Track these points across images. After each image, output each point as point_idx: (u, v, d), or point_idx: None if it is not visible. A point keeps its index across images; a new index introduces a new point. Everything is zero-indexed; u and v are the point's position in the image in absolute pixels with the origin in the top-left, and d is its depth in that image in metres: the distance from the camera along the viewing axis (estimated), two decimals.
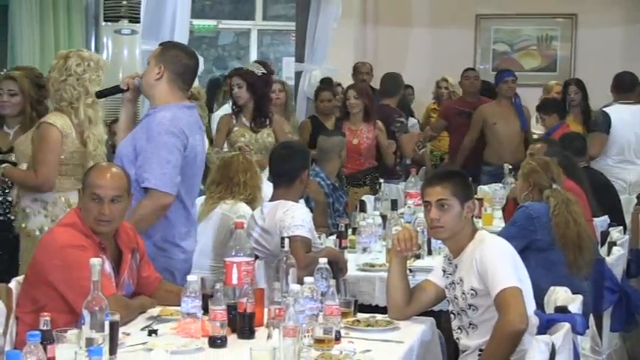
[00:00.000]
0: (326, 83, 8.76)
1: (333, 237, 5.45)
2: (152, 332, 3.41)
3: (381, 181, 7.03)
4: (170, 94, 4.27)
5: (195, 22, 10.93)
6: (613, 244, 5.25)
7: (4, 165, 5.04)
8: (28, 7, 7.17)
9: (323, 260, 3.78)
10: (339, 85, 8.92)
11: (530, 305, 3.55)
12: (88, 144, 4.85)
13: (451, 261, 3.74)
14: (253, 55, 11.73)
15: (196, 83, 6.51)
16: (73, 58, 4.87)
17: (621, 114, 7.74)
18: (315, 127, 7.70)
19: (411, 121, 9.20)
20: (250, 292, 3.46)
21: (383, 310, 3.99)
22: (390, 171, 7.59)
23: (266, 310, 3.55)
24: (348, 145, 6.72)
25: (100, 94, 4.73)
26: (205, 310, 3.40)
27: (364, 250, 5.34)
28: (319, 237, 4.88)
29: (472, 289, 3.60)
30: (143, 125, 4.27)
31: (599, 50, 10.74)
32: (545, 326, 3.32)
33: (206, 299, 3.43)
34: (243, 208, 5.23)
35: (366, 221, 5.48)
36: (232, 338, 3.39)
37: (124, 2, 7.01)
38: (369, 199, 6.90)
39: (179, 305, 3.46)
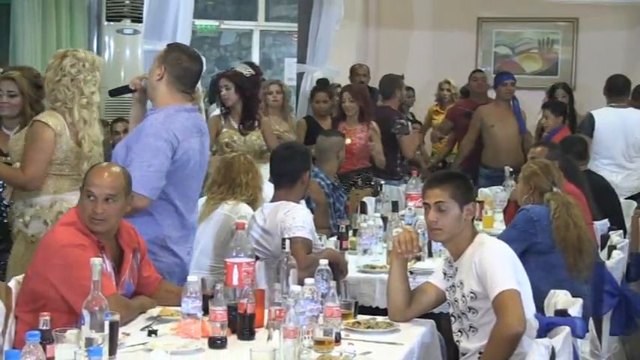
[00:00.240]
0: (322, 84, 8.70)
1: (334, 238, 5.44)
2: (152, 332, 3.41)
3: (382, 182, 7.02)
4: (169, 96, 4.24)
5: (198, 22, 10.89)
6: (613, 247, 5.24)
7: None
8: (31, 6, 7.18)
9: (323, 262, 3.77)
10: (339, 86, 8.89)
11: (530, 308, 3.55)
12: (83, 145, 4.73)
13: (452, 263, 3.74)
14: (255, 56, 11.72)
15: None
16: (68, 58, 4.76)
17: (610, 117, 7.68)
18: (310, 128, 7.69)
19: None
20: (251, 293, 3.46)
21: (383, 312, 3.98)
22: (390, 171, 7.59)
23: (266, 311, 3.55)
24: None
25: (112, 93, 4.72)
26: (206, 310, 3.39)
27: (365, 251, 5.33)
28: (320, 238, 4.88)
29: (472, 292, 3.60)
30: (139, 126, 4.25)
31: (600, 54, 10.73)
32: (545, 329, 3.32)
33: (206, 300, 3.43)
34: (245, 208, 5.21)
35: (366, 223, 5.46)
36: (232, 339, 3.39)
37: (127, 2, 7.02)
38: (369, 200, 6.89)
39: (179, 305, 3.46)
